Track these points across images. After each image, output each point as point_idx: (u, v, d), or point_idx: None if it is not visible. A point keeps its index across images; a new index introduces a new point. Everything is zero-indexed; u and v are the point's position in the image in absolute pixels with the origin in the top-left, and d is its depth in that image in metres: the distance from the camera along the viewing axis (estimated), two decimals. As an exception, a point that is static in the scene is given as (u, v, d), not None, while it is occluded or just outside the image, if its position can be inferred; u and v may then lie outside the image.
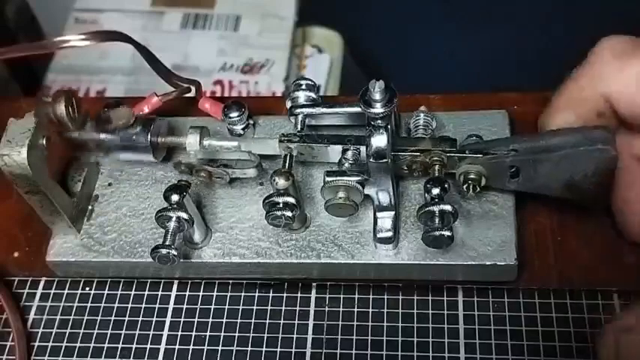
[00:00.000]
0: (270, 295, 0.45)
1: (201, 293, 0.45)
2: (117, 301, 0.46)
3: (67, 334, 0.45)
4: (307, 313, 0.44)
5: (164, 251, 0.41)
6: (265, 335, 0.43)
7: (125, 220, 0.45)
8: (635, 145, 0.40)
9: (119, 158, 0.46)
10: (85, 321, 0.45)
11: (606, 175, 0.39)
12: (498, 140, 0.42)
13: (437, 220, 0.38)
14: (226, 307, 0.45)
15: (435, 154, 0.41)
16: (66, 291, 0.46)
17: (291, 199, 0.40)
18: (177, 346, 0.44)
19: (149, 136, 0.44)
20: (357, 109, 0.40)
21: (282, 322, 0.44)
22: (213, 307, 0.45)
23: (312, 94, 0.45)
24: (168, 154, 0.47)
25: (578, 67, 0.40)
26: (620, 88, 0.38)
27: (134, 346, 0.44)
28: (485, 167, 0.40)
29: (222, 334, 0.44)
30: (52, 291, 0.47)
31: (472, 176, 0.40)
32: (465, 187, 0.40)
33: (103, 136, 0.44)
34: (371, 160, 0.39)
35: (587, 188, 0.39)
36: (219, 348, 0.43)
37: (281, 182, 0.40)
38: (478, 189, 0.40)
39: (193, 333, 0.44)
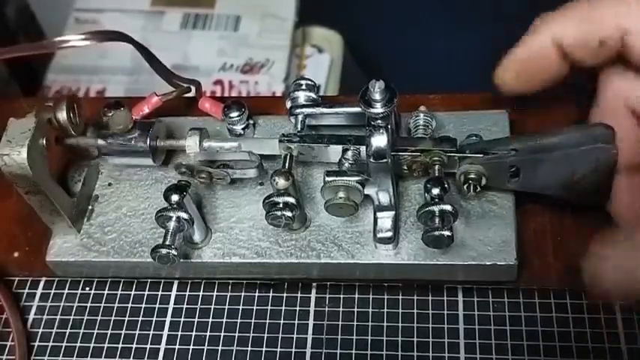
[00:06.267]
0: (270, 295, 0.45)
1: (201, 293, 0.45)
2: (117, 301, 0.46)
3: (67, 334, 0.45)
4: (307, 313, 0.44)
5: (164, 251, 0.41)
6: (265, 335, 0.43)
7: (125, 220, 0.45)
8: (632, 93, 0.37)
9: (119, 162, 0.46)
10: (85, 321, 0.45)
11: (606, 174, 0.39)
12: (498, 140, 0.42)
13: (437, 220, 0.38)
14: (226, 307, 0.45)
15: (435, 154, 0.41)
16: (66, 291, 0.46)
17: (291, 199, 0.40)
18: (177, 346, 0.44)
19: (148, 140, 0.44)
20: (357, 109, 0.40)
21: (282, 322, 0.44)
22: (213, 307, 0.45)
23: (312, 94, 0.45)
24: (168, 157, 0.47)
25: None
26: None
27: (134, 346, 0.44)
28: (486, 167, 0.40)
29: (222, 334, 0.44)
30: (52, 291, 0.47)
31: (472, 176, 0.40)
32: (465, 187, 0.40)
33: (101, 141, 0.44)
34: (371, 160, 0.39)
35: (587, 187, 0.39)
36: (219, 348, 0.43)
37: (281, 182, 0.40)
38: (478, 189, 0.40)
39: (193, 333, 0.44)
